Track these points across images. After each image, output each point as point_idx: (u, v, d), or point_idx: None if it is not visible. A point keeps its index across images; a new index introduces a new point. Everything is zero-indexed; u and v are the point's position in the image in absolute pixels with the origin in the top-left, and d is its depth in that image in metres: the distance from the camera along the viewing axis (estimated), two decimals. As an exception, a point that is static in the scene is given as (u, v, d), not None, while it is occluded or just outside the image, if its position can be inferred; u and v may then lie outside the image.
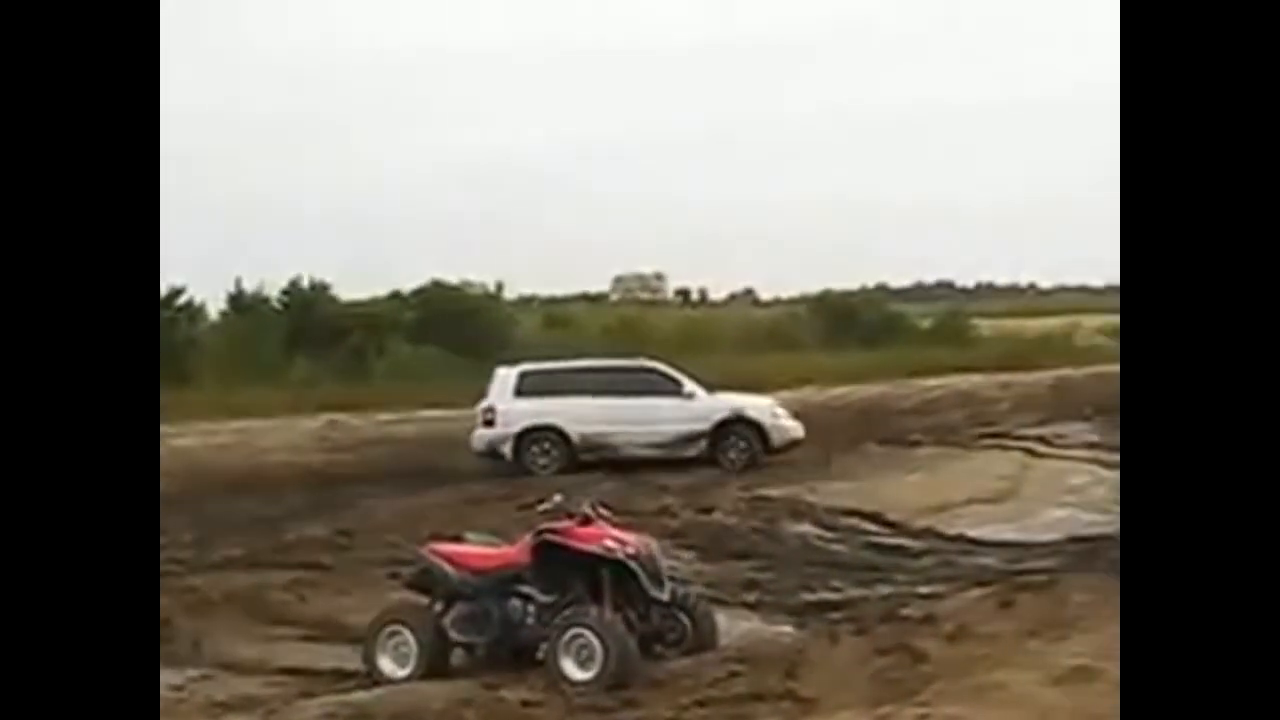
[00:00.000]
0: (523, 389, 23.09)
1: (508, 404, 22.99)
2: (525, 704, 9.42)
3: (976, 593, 11.37)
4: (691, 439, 22.77)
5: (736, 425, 22.89)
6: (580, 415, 22.77)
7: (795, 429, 23.58)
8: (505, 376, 23.40)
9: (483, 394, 23.34)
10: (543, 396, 22.95)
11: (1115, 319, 72.85)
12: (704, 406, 23.03)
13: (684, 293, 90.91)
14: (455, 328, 40.69)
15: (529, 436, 22.74)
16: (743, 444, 22.77)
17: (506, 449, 22.79)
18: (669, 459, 22.46)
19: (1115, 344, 58.32)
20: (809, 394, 32.48)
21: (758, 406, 23.59)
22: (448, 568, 10.72)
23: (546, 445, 22.74)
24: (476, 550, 10.96)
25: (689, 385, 23.37)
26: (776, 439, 23.01)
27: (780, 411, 23.71)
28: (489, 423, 23.03)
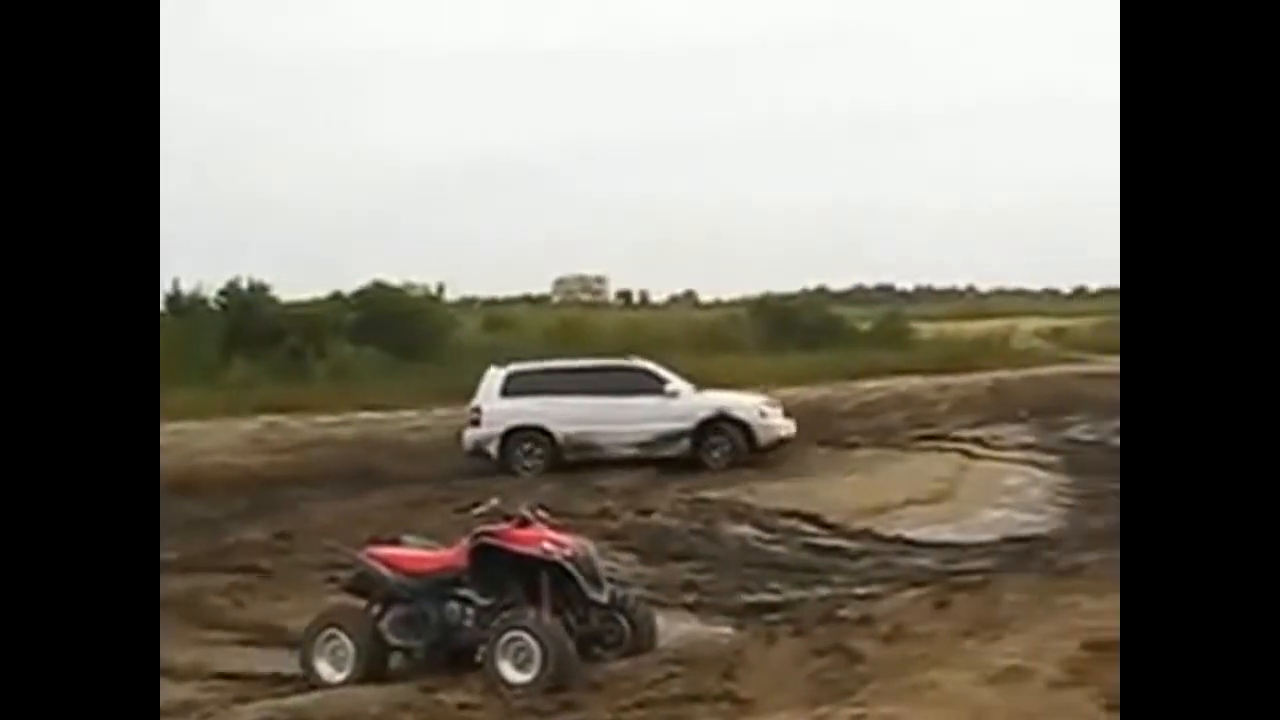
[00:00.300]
0: (509, 389, 23.11)
1: (494, 404, 23.01)
2: (463, 707, 9.41)
3: (912, 593, 11.46)
4: (675, 438, 22.69)
5: (720, 424, 22.81)
6: (565, 415, 22.77)
7: (783, 427, 23.45)
8: (494, 376, 23.44)
9: (421, 396, 23.36)
10: (529, 396, 22.95)
11: (1052, 322, 73.57)
12: (688, 405, 22.96)
13: (625, 295, 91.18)
14: (396, 329, 40.53)
15: (514, 437, 22.73)
16: (727, 443, 22.68)
17: (492, 449, 22.79)
18: (653, 458, 22.43)
19: (1051, 347, 58.90)
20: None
21: (743, 405, 23.44)
22: (385, 571, 10.69)
23: (531, 445, 22.72)
24: (414, 553, 10.93)
25: (674, 384, 23.35)
26: (763, 438, 22.87)
27: (769, 410, 23.55)
28: (475, 422, 23.09)
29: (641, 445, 22.70)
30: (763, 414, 23.25)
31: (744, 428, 22.78)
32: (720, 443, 22.67)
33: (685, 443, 22.66)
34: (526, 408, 22.81)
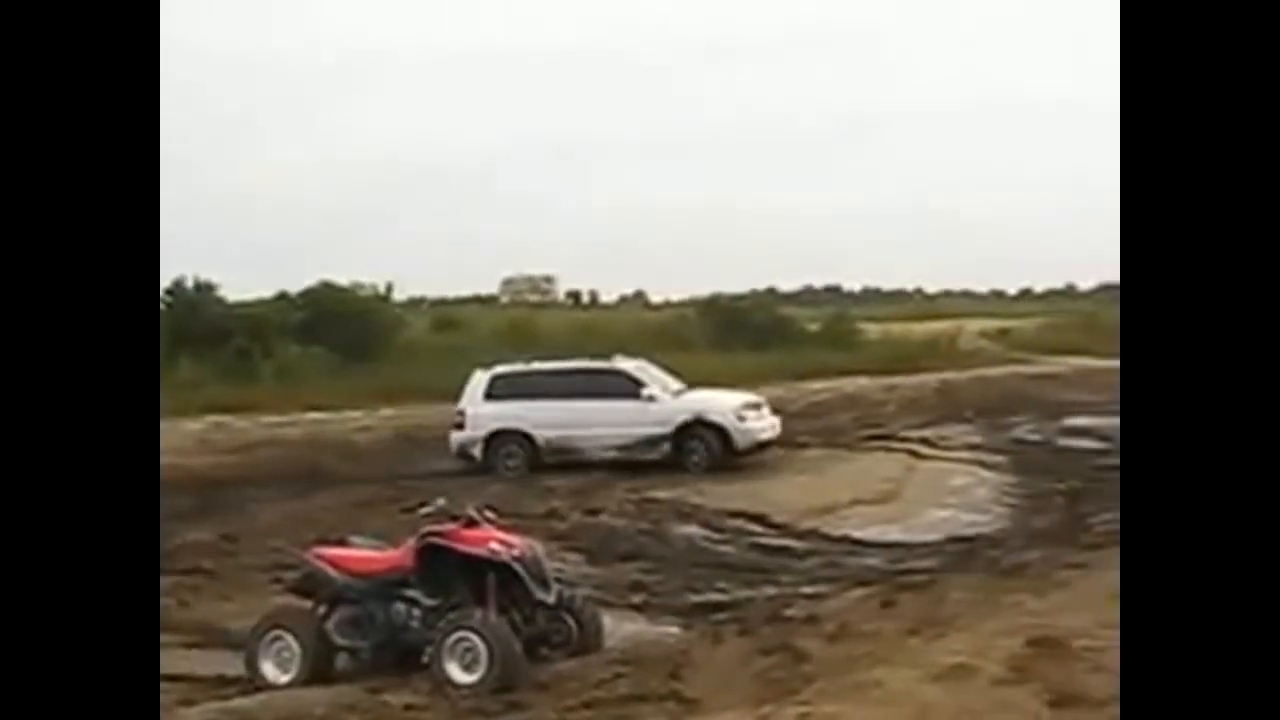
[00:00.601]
0: (493, 392, 23.08)
1: (477, 407, 22.98)
2: (409, 708, 9.38)
3: (859, 592, 11.52)
4: (654, 442, 22.48)
5: (697, 428, 22.52)
6: (545, 419, 22.66)
7: (764, 431, 23.09)
8: (479, 380, 23.41)
9: (368, 396, 23.25)
10: (512, 400, 22.89)
11: (998, 323, 74.03)
12: (666, 409, 22.68)
13: (575, 295, 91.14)
14: (343, 329, 40.36)
15: (496, 440, 22.68)
16: (704, 448, 22.40)
17: (476, 452, 22.75)
18: (633, 462, 22.21)
19: (997, 348, 59.26)
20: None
21: (719, 409, 22.97)
22: (331, 571, 10.65)
23: (513, 449, 22.64)
24: (361, 553, 10.89)
25: (650, 387, 23.06)
26: (740, 442, 22.51)
27: (748, 413, 23.05)
28: (459, 425, 23.06)
29: (621, 449, 22.50)
30: (740, 417, 22.77)
31: (720, 432, 22.48)
32: (697, 447, 22.40)
33: (665, 447, 22.44)
34: (508, 411, 22.76)
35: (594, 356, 24.80)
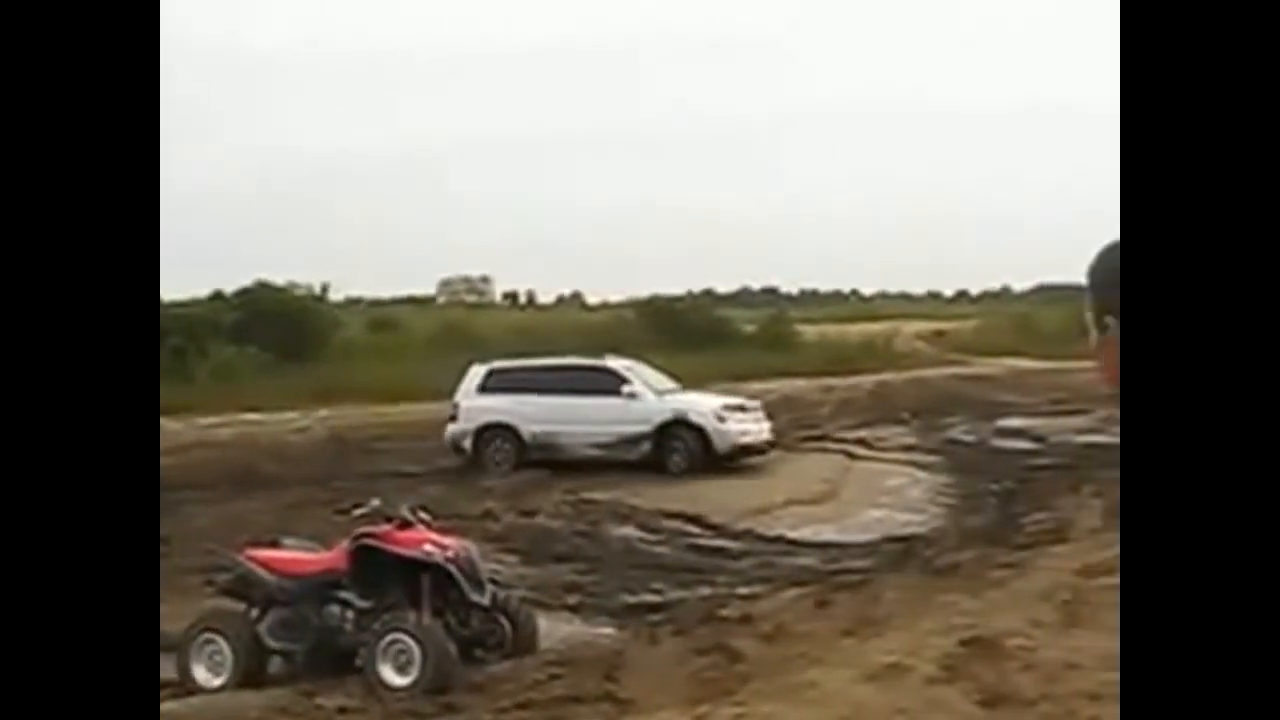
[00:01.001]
0: (487, 386, 23.02)
1: (471, 400, 22.92)
2: (342, 710, 9.34)
3: (794, 593, 11.56)
4: (635, 441, 22.18)
5: (677, 428, 22.23)
6: (532, 414, 22.49)
7: (747, 434, 22.61)
8: (474, 374, 23.35)
9: (304, 397, 23.11)
10: (504, 394, 22.80)
11: (934, 325, 74.47)
12: (647, 408, 22.37)
13: (512, 295, 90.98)
14: (279, 329, 40.06)
15: (486, 434, 22.60)
16: (683, 449, 22.08)
17: (467, 445, 22.69)
18: (614, 461, 21.99)
19: (933, 350, 59.63)
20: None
21: (700, 409, 22.62)
22: (264, 573, 10.57)
23: (501, 443, 22.53)
24: (294, 555, 10.82)
25: (633, 385, 22.77)
26: (719, 444, 22.08)
27: (729, 414, 22.62)
28: (453, 418, 23.00)
29: (603, 447, 22.25)
30: (720, 419, 22.35)
31: (700, 433, 22.12)
32: (678, 448, 22.09)
33: (645, 446, 22.14)
34: (498, 405, 22.67)
35: (590, 354, 24.78)
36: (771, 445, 23.21)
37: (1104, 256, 2.20)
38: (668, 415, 22.28)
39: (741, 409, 23.07)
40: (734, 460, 22.15)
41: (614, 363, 23.78)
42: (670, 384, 24.04)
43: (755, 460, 22.75)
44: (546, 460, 22.16)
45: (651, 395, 22.77)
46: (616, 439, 22.25)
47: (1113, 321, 2.16)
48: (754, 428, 22.82)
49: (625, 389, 22.64)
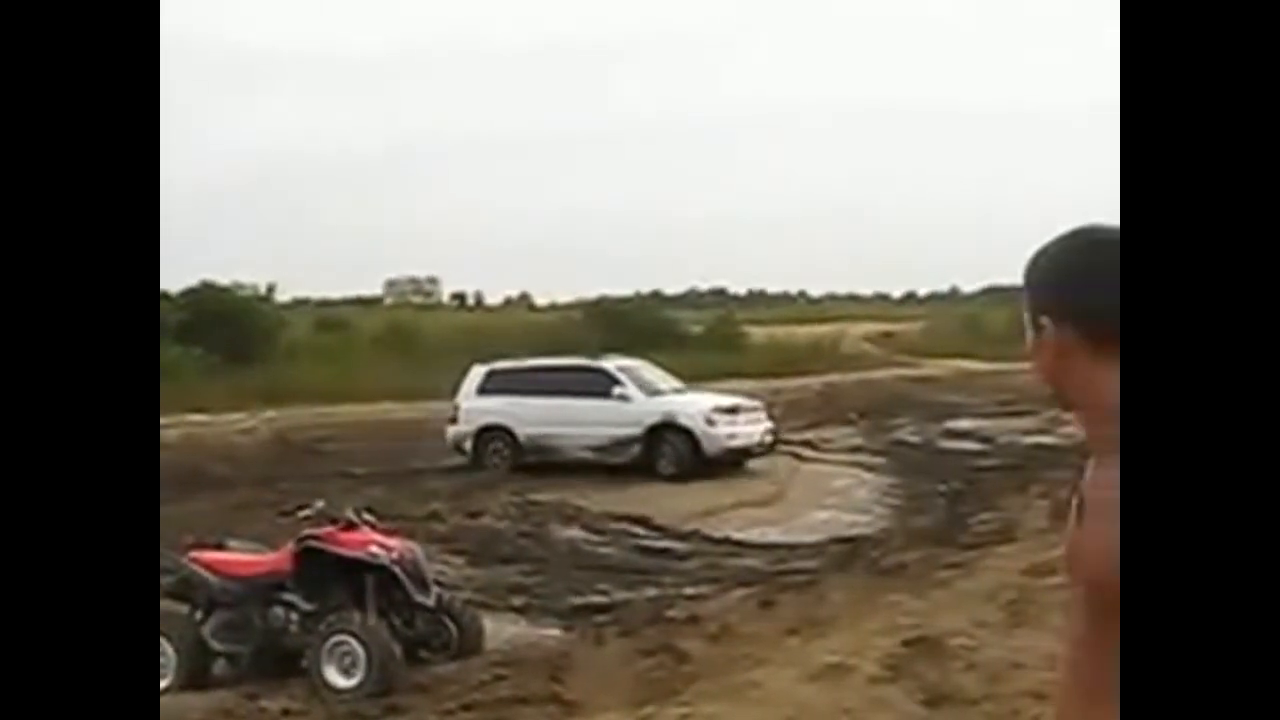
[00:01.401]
0: (487, 387, 22.81)
1: (471, 402, 22.73)
2: (286, 713, 9.31)
3: (739, 593, 11.59)
4: (627, 443, 21.73)
5: (666, 431, 21.72)
6: (528, 416, 22.21)
7: (742, 435, 22.04)
8: (475, 375, 23.15)
9: (249, 397, 22.95)
10: (502, 395, 22.56)
11: (881, 326, 74.76)
12: (638, 410, 21.90)
13: (460, 297, 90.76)
14: (225, 330, 39.78)
15: (485, 435, 22.38)
16: (672, 452, 21.58)
17: (467, 446, 22.50)
18: (606, 464, 21.65)
19: (881, 351, 59.88)
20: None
21: (689, 411, 21.99)
22: (208, 575, 10.50)
23: (499, 444, 22.30)
24: (238, 557, 10.76)
25: (625, 387, 22.29)
26: (709, 448, 21.52)
27: (723, 417, 21.93)
28: (454, 419, 22.84)
29: (595, 449, 21.89)
30: (710, 421, 21.71)
31: (689, 435, 21.58)
32: (667, 451, 21.61)
33: (636, 449, 21.71)
34: (496, 407, 22.46)
35: (597, 355, 24.58)
36: (770, 447, 22.67)
37: (1038, 257, 2.22)
38: (657, 418, 21.79)
39: (734, 410, 22.47)
40: (726, 463, 21.65)
41: (610, 363, 23.38)
42: (672, 384, 23.65)
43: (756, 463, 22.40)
44: (542, 463, 21.82)
45: (642, 396, 22.32)
46: (609, 441, 21.84)
47: (1047, 322, 2.18)
48: (747, 429, 22.15)
49: (616, 390, 22.22)
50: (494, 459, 22.27)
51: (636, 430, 21.73)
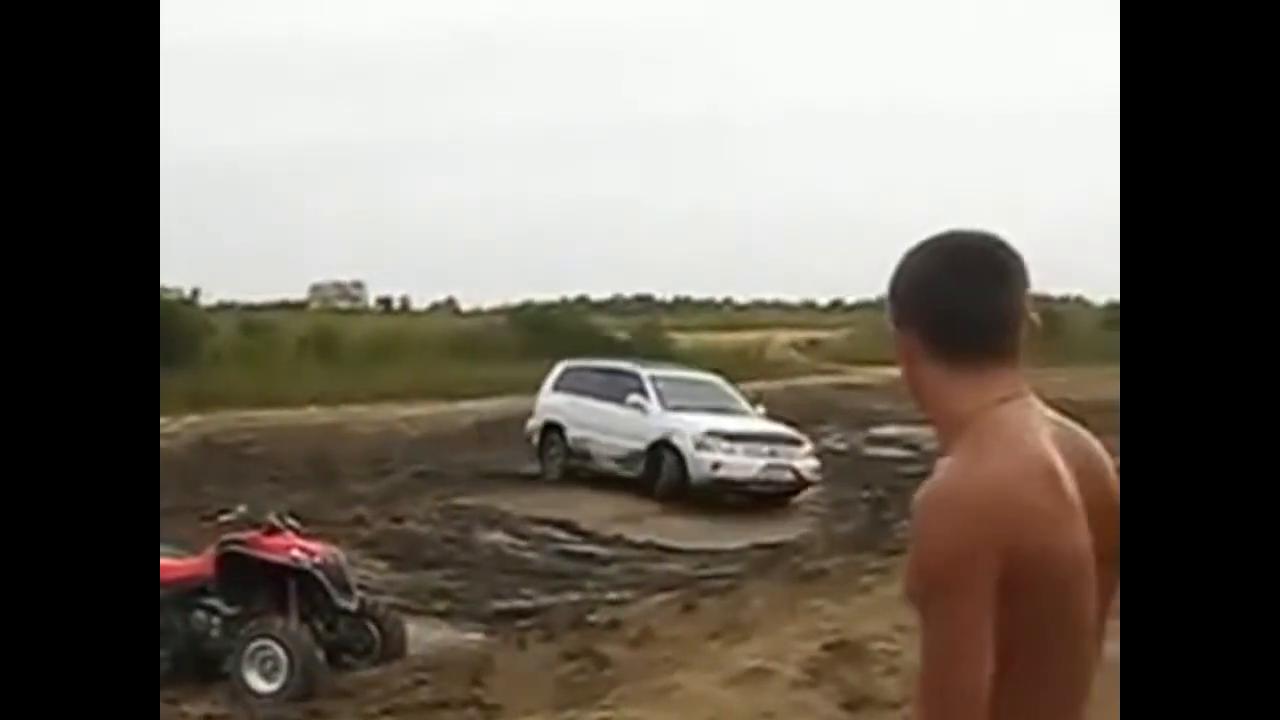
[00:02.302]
0: (559, 384, 21.96)
1: (545, 398, 21.93)
2: (208, 718, 9.27)
3: (661, 598, 11.65)
4: (636, 458, 20.07)
5: (665, 449, 19.69)
6: (578, 417, 21.11)
7: (723, 467, 19.32)
8: (555, 370, 22.33)
9: (173, 402, 22.52)
10: (566, 394, 21.61)
11: (808, 334, 75.16)
12: (650, 423, 20.04)
13: (385, 301, 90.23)
14: (147, 334, 39.43)
15: (547, 433, 21.59)
16: (665, 472, 19.57)
17: (535, 441, 21.81)
18: (622, 477, 20.23)
19: (807, 359, 60.20)
20: (506, 403, 32.56)
21: (686, 432, 19.68)
22: (128, 579, 10.43)
23: (556, 443, 21.36)
24: (162, 562, 10.66)
25: (639, 396, 20.50)
26: (694, 474, 19.30)
27: (715, 441, 19.47)
28: (533, 414, 22.02)
29: (618, 460, 20.42)
30: (700, 445, 19.43)
31: (679, 456, 19.55)
32: (664, 471, 19.58)
33: (641, 465, 19.97)
34: (558, 405, 21.52)
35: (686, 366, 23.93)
36: (793, 490, 19.71)
37: (898, 266, 2.29)
38: (658, 434, 19.87)
39: (737, 437, 19.67)
40: (715, 496, 19.22)
41: (645, 370, 21.71)
42: (731, 402, 21.62)
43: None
44: (583, 469, 20.86)
45: (656, 408, 20.31)
46: (626, 453, 20.29)
47: (896, 329, 2.25)
48: (744, 460, 19.36)
49: (630, 399, 20.55)
50: (550, 459, 21.36)
51: (641, 445, 19.98)
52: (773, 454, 19.59)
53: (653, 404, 20.40)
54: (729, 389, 22.70)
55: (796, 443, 20.17)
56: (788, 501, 19.57)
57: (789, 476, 19.56)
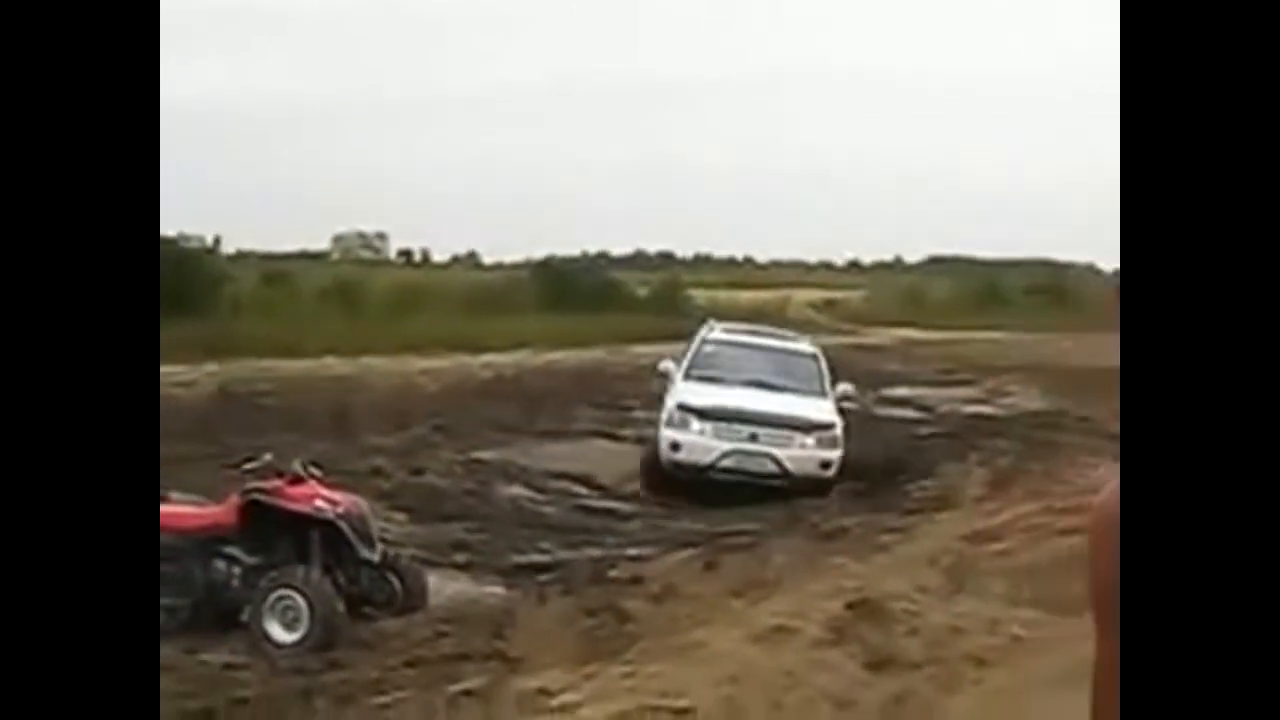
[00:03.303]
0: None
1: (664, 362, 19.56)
2: (228, 667, 9.25)
3: (683, 554, 11.63)
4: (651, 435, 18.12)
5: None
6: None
7: (681, 448, 16.83)
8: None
9: (191, 350, 22.51)
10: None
11: (825, 294, 75.12)
12: (668, 395, 18.00)
13: (406, 253, 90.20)
14: (168, 282, 39.29)
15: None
16: (645, 453, 17.91)
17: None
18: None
19: (824, 318, 60.19)
20: (525, 357, 32.59)
21: (669, 405, 17.44)
22: (150, 527, 10.42)
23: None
24: (180, 510, 10.66)
25: (672, 362, 18.81)
26: (662, 456, 17.09)
27: (682, 417, 17.02)
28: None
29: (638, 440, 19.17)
30: (670, 421, 17.06)
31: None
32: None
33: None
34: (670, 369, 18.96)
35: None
36: (781, 487, 16.28)
37: None
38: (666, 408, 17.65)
39: (710, 415, 16.98)
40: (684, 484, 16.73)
41: (715, 329, 19.74)
42: (784, 370, 18.70)
43: (639, 418, 20.11)
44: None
45: (678, 376, 18.27)
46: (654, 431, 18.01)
47: None
48: (711, 444, 16.75)
49: (663, 365, 18.91)
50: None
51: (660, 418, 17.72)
52: (752, 438, 16.72)
53: (678, 371, 18.36)
54: (806, 361, 19.41)
55: (808, 429, 16.97)
56: (771, 500, 15.61)
57: (770, 468, 16.63)
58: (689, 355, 18.66)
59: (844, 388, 19.19)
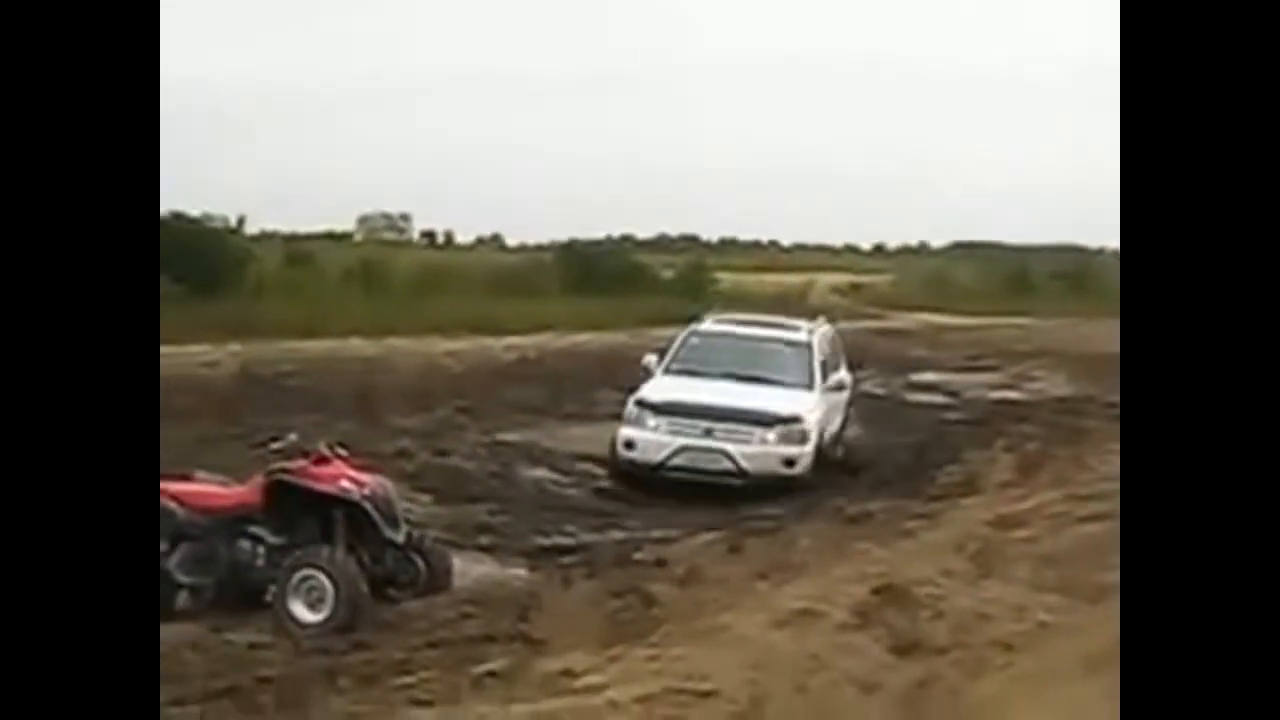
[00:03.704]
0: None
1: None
2: (253, 646, 9.26)
3: (707, 537, 11.62)
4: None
5: None
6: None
7: (635, 446, 16.17)
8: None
9: (216, 330, 22.52)
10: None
11: (850, 278, 74.99)
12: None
13: (430, 235, 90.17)
14: (192, 261, 39.41)
15: None
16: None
17: None
18: None
19: (848, 302, 60.04)
20: (549, 339, 32.58)
21: (639, 396, 16.84)
22: (174, 507, 10.42)
23: None
24: (205, 489, 10.68)
25: (654, 354, 18.26)
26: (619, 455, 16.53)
27: (638, 413, 16.35)
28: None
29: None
30: (628, 418, 16.42)
31: None
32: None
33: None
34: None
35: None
36: (740, 487, 15.50)
37: None
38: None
39: (664, 410, 16.28)
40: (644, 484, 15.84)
41: (711, 318, 19.45)
42: (770, 362, 17.76)
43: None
44: None
45: (657, 370, 17.73)
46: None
47: None
48: (663, 440, 15.98)
49: (646, 358, 18.25)
50: None
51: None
52: (707, 433, 15.92)
53: (657, 365, 17.72)
54: (794, 351, 18.13)
55: (770, 423, 16.01)
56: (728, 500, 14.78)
57: (724, 465, 15.76)
58: (672, 349, 18.07)
59: (837, 377, 18.40)
